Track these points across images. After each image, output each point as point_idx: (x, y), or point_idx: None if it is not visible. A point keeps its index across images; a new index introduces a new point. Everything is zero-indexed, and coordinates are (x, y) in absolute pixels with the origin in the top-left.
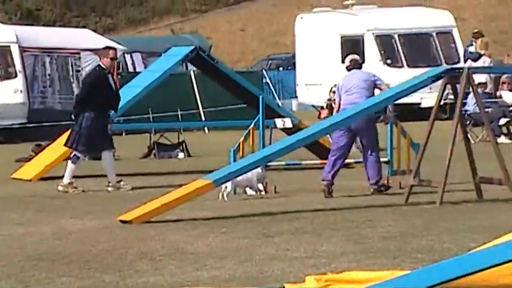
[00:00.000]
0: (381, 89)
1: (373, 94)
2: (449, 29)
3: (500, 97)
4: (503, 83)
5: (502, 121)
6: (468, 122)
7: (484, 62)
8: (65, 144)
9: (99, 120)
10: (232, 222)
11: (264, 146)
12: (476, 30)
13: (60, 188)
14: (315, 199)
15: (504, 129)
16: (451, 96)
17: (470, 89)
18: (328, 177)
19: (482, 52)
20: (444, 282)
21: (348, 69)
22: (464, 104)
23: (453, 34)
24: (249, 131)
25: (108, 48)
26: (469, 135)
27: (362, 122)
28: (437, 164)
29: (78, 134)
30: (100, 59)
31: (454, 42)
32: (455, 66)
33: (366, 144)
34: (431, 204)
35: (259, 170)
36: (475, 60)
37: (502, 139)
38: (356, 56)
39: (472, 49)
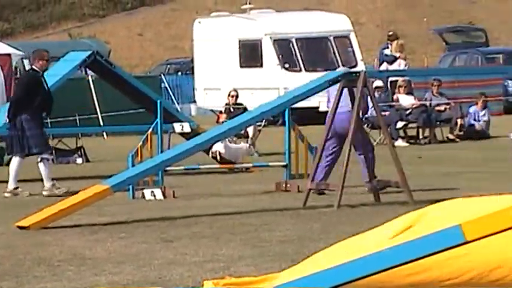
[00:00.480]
0: None
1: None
2: (346, 33)
3: (397, 101)
4: (400, 86)
5: (399, 124)
6: (366, 125)
7: (400, 64)
8: (10, 153)
9: (35, 122)
10: (131, 227)
11: (162, 151)
12: (391, 33)
13: (45, 192)
14: (214, 203)
15: (401, 133)
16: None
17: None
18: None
19: (397, 55)
20: (346, 283)
21: None
22: None
23: (350, 38)
24: (147, 136)
25: (40, 50)
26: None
27: (348, 125)
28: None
29: (25, 138)
30: (32, 61)
31: (352, 46)
32: (352, 70)
33: (356, 147)
34: (329, 208)
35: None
36: (390, 62)
37: (399, 142)
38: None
39: (387, 51)
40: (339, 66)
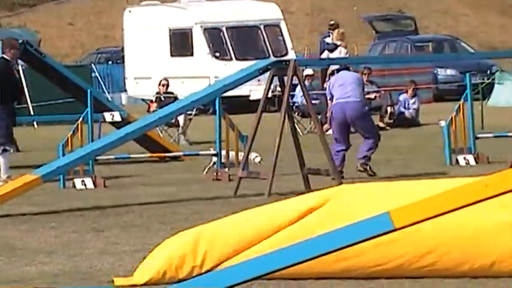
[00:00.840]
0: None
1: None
2: (276, 21)
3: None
4: (331, 74)
5: (330, 113)
6: (296, 114)
7: (340, 52)
8: None
9: (4, 112)
10: (62, 217)
11: (92, 140)
12: (332, 22)
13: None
14: (144, 192)
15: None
16: (280, 89)
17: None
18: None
19: (338, 43)
20: (280, 269)
21: (338, 70)
22: (292, 96)
23: (281, 27)
24: (78, 125)
25: (10, 39)
26: (297, 127)
27: (356, 114)
28: (266, 156)
29: None
30: (3, 51)
31: (282, 35)
32: (282, 58)
33: (364, 134)
34: (260, 196)
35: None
36: (331, 50)
37: (330, 131)
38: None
39: (328, 40)
40: (269, 55)
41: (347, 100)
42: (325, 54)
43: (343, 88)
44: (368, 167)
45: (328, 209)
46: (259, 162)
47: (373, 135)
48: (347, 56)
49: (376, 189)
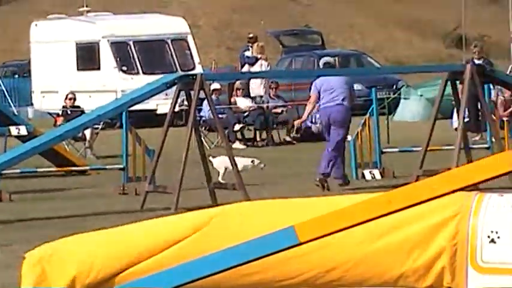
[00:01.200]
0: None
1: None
2: (184, 35)
3: (235, 103)
4: (238, 89)
5: (237, 127)
6: (204, 128)
7: (261, 65)
8: None
9: None
10: None
11: None
12: (251, 35)
13: None
14: (50, 207)
15: (239, 135)
16: (187, 103)
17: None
18: (327, 171)
19: (259, 56)
20: (188, 282)
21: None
22: (199, 111)
23: (188, 41)
24: None
25: None
26: (204, 141)
27: (340, 117)
28: (173, 170)
29: None
30: None
31: (189, 49)
32: (189, 72)
33: (332, 139)
34: (167, 210)
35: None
36: (252, 64)
37: (237, 145)
38: (331, 59)
39: (248, 53)
40: (176, 69)
41: (333, 104)
42: (245, 68)
43: (331, 93)
44: (326, 184)
45: (207, 231)
46: (262, 168)
47: (337, 147)
48: (268, 68)
49: (274, 206)
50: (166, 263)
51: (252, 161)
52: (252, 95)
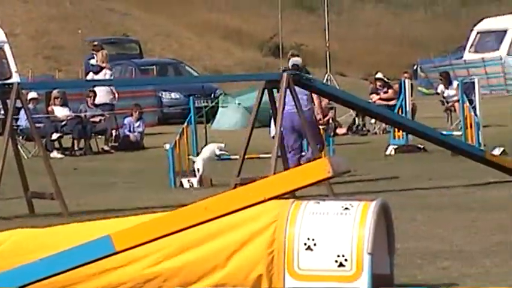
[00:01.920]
0: None
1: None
2: (0, 44)
3: (53, 112)
4: (56, 98)
5: (54, 136)
6: (21, 137)
7: (105, 74)
8: None
9: None
10: None
11: None
12: (96, 43)
13: None
14: None
15: (56, 144)
16: (3, 112)
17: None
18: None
19: (103, 65)
20: (35, 281)
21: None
22: (16, 120)
23: (5, 50)
24: None
25: None
26: (21, 150)
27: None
28: None
29: None
30: None
31: (6, 58)
32: (6, 81)
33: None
34: None
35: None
36: (96, 72)
37: (55, 154)
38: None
39: (93, 61)
40: None
41: (289, 111)
42: (90, 76)
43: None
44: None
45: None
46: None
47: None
48: (112, 77)
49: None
50: None
51: (218, 147)
52: (98, 102)
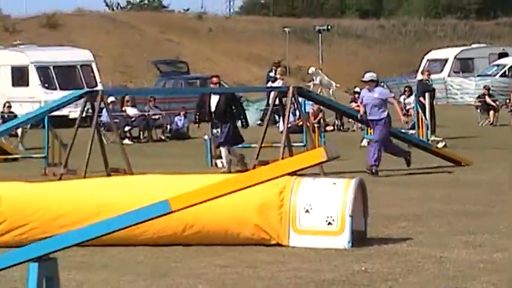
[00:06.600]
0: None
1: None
2: (89, 62)
3: (125, 111)
4: (127, 101)
5: (126, 128)
6: (103, 129)
7: (279, 83)
8: None
9: None
10: None
11: None
12: (277, 61)
13: None
14: None
15: (128, 134)
16: (91, 110)
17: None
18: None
19: (278, 76)
20: (104, 234)
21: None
22: (100, 116)
23: (92, 66)
24: None
25: None
26: (103, 138)
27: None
28: (81, 158)
29: None
30: None
31: (93, 72)
32: (93, 89)
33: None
34: None
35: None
36: (273, 81)
37: (126, 141)
38: (374, 75)
39: (272, 74)
40: (84, 86)
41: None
42: (269, 84)
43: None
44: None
45: None
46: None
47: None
48: (283, 85)
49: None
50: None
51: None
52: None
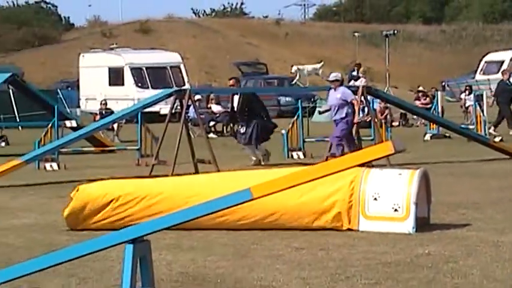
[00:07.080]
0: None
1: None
2: (178, 64)
3: (210, 108)
4: (212, 99)
5: (211, 123)
6: (190, 124)
7: (361, 81)
8: None
9: None
10: (37, 188)
11: (58, 138)
12: (358, 62)
13: None
14: (92, 173)
15: (212, 129)
16: (179, 107)
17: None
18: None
19: (360, 75)
20: (187, 221)
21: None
22: (187, 112)
23: (180, 68)
24: (48, 129)
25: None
26: (190, 132)
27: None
28: (171, 150)
29: None
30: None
31: (181, 73)
32: (181, 88)
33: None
34: (165, 177)
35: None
36: (355, 80)
37: (211, 135)
38: (338, 75)
39: (354, 73)
40: (173, 85)
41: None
42: (351, 83)
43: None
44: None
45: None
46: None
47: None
48: (365, 84)
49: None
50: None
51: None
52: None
